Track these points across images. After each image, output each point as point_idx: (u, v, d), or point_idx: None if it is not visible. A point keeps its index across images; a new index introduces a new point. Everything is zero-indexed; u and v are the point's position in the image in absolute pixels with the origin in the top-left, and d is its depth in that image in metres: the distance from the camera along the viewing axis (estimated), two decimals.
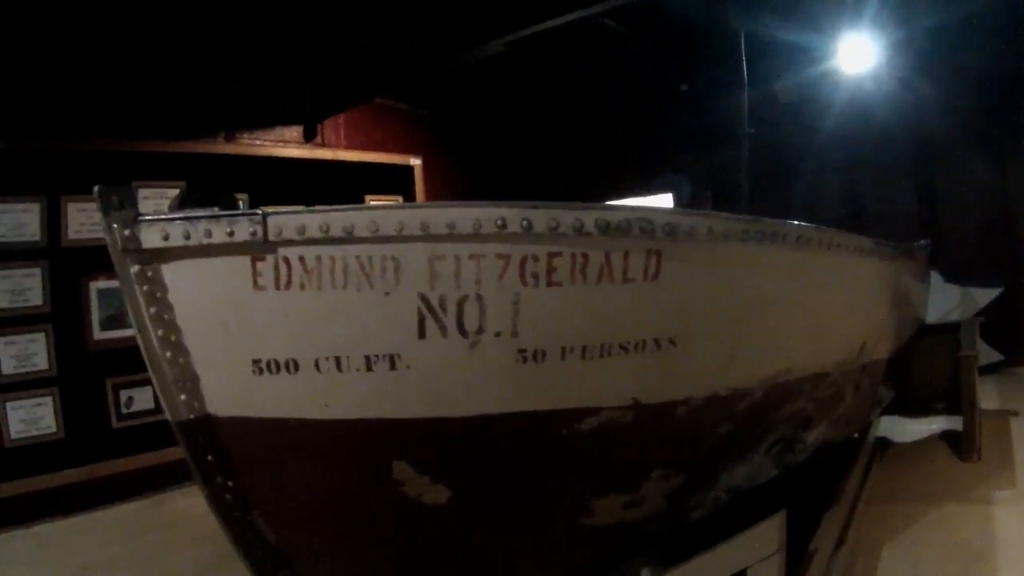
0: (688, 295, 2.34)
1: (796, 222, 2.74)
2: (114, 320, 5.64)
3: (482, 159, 9.26)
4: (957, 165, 7.93)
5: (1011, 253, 7.65)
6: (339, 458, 2.23)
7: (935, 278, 6.97)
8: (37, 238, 5.42)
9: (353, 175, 7.58)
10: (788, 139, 8.66)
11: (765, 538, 2.83)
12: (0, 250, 5.27)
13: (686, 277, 2.30)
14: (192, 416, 2.20)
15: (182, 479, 5.16)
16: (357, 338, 2.11)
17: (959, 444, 5.16)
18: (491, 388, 2.21)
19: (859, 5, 6.70)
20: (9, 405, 5.25)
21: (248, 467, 2.25)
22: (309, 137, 7.32)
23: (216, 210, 2.06)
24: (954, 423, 5.42)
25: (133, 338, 2.18)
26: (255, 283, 2.08)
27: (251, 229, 2.02)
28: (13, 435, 5.24)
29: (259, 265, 2.07)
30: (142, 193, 5.85)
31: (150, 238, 2.06)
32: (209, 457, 2.22)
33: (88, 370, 5.61)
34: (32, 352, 5.37)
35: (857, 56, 7.44)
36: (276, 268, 2.07)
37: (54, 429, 5.41)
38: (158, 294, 2.11)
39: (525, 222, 2.05)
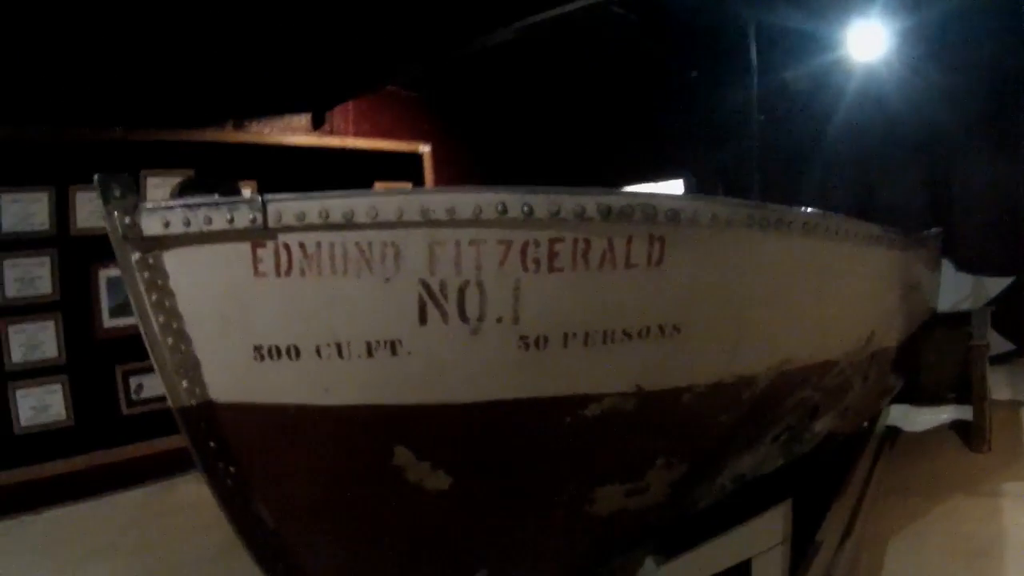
0: (692, 281, 2.31)
1: (802, 208, 2.72)
2: (123, 308, 5.64)
3: (492, 146, 9.21)
4: (969, 154, 7.85)
5: (1021, 243, 7.57)
6: (340, 444, 2.22)
7: (946, 267, 6.93)
8: (46, 227, 5.44)
9: (362, 163, 7.57)
10: (799, 128, 8.61)
11: (770, 529, 2.81)
12: (9, 239, 5.29)
13: (689, 263, 2.28)
14: (194, 402, 2.19)
15: (190, 466, 5.13)
16: (358, 324, 2.10)
17: (969, 435, 5.13)
18: (492, 374, 2.20)
19: None
20: (19, 393, 5.28)
21: (249, 453, 2.25)
22: (318, 125, 7.32)
23: (216, 197, 2.06)
24: (964, 413, 5.38)
25: None
26: (256, 270, 2.07)
27: (251, 216, 2.02)
28: (23, 422, 5.28)
29: (259, 252, 2.06)
30: (152, 181, 5.87)
31: (151, 225, 2.05)
32: (211, 443, 2.22)
33: (97, 357, 5.63)
34: (41, 340, 5.40)
35: (867, 44, 7.37)
36: (276, 254, 2.06)
37: (63, 416, 5.45)
38: (159, 281, 2.11)
39: (526, 207, 2.03)
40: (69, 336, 5.51)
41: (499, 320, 2.12)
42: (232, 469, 2.25)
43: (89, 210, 5.55)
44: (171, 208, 2.04)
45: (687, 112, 9.28)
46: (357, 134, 7.72)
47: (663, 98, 9.40)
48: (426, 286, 2.07)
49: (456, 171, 8.61)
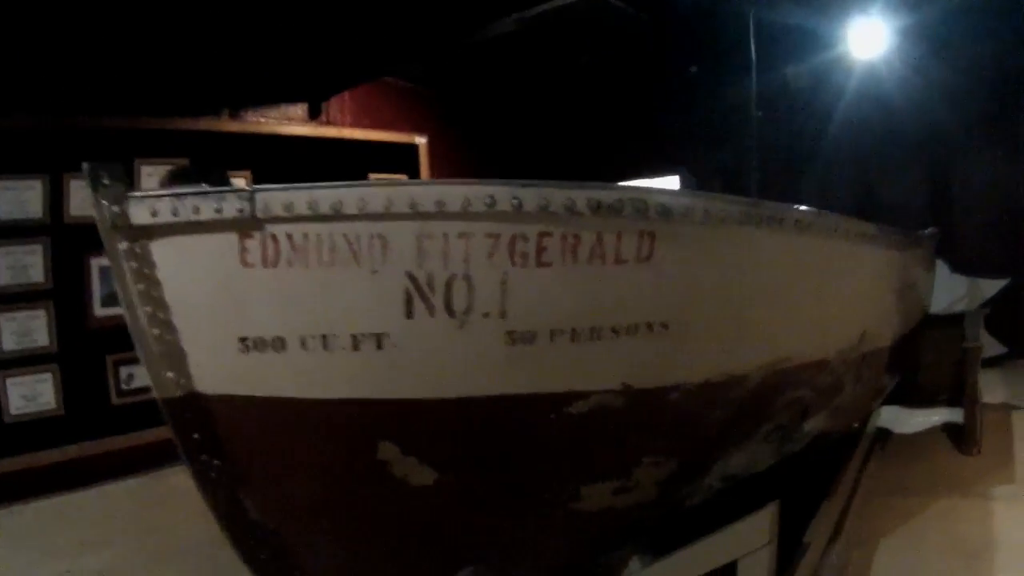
0: (682, 278, 2.30)
1: (796, 206, 2.70)
2: (115, 297, 5.55)
3: (488, 139, 9.19)
4: (970, 154, 7.83)
5: (1021, 244, 7.56)
6: (324, 437, 2.21)
7: (941, 267, 6.90)
8: (39, 215, 5.41)
9: (358, 153, 7.54)
10: (798, 126, 8.59)
11: (756, 529, 2.79)
12: (2, 227, 5.26)
13: (680, 260, 2.26)
14: (179, 393, 2.18)
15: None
16: (344, 316, 2.09)
17: (960, 437, 5.11)
18: (479, 369, 2.18)
19: None
20: (9, 381, 5.25)
21: (234, 445, 2.23)
22: (314, 115, 7.29)
23: (204, 187, 2.05)
24: (956, 415, 5.36)
25: None
26: (243, 260, 2.06)
27: (239, 206, 2.00)
28: (13, 411, 5.25)
29: (247, 242, 2.05)
30: (146, 170, 5.84)
31: (139, 215, 2.04)
32: (195, 435, 2.21)
33: (88, 347, 5.60)
34: (33, 328, 5.37)
35: (868, 42, 7.35)
36: (264, 245, 2.04)
37: (54, 405, 5.42)
38: (146, 271, 2.10)
39: (515, 201, 2.01)
40: (61, 325, 5.48)
41: (486, 315, 2.11)
42: (216, 461, 2.23)
43: (82, 198, 5.50)
44: (159, 197, 2.03)
45: (686, 109, 9.25)
46: (354, 125, 7.70)
47: (662, 94, 9.36)
48: (413, 279, 2.05)
49: (452, 163, 8.59)
